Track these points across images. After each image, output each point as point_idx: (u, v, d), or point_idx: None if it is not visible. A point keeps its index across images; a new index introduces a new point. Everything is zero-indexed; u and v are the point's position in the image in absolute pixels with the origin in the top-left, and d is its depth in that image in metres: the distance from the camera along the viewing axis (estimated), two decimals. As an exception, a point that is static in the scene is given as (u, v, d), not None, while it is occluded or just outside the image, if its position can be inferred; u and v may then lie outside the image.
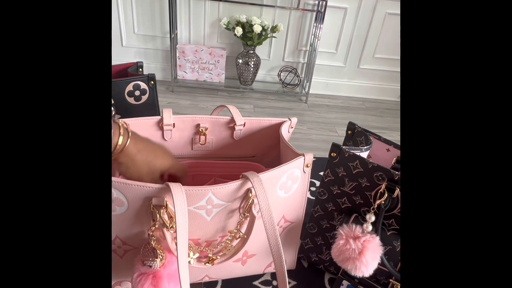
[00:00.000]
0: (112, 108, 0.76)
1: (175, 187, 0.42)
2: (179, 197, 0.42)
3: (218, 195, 0.47)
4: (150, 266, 0.44)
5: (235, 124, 0.65)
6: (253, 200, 0.49)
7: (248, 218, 0.50)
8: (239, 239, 0.51)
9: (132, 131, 0.49)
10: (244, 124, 0.66)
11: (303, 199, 0.58)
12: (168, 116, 0.62)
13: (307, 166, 0.54)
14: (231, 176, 0.68)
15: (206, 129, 0.65)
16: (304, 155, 0.52)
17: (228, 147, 0.69)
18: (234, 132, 0.66)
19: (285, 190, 0.53)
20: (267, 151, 0.71)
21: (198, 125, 0.64)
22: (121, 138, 0.46)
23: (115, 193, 0.43)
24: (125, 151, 0.48)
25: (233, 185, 0.47)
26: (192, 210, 0.47)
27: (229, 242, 0.51)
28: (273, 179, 0.50)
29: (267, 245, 0.59)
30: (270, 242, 0.46)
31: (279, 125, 0.67)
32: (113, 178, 0.42)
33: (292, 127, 0.68)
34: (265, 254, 0.60)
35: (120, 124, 0.47)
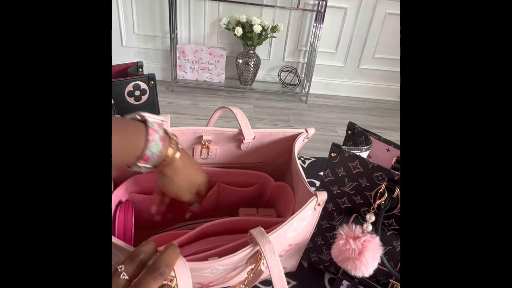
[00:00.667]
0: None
1: (180, 270, 0.37)
2: (185, 282, 0.36)
3: (224, 264, 0.42)
4: None
5: (244, 138, 0.57)
6: (263, 261, 0.44)
7: (255, 272, 0.46)
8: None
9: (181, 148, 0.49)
10: (254, 137, 0.58)
11: (311, 229, 0.54)
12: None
13: (319, 205, 0.48)
14: (235, 183, 0.64)
15: (209, 142, 0.58)
16: (317, 196, 0.47)
17: (234, 157, 0.63)
18: (242, 144, 0.59)
19: (294, 231, 0.49)
20: (276, 157, 0.66)
21: (200, 137, 0.57)
22: (170, 150, 0.46)
23: (116, 255, 0.41)
24: (173, 164, 0.47)
25: (241, 254, 0.41)
26: (195, 274, 0.43)
27: None
28: (284, 231, 0.46)
29: None
30: None
31: (293, 136, 0.60)
32: (114, 240, 0.39)
33: (308, 138, 0.61)
34: (267, 270, 0.58)
35: (171, 136, 0.46)
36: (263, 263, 0.44)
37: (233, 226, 0.55)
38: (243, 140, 0.58)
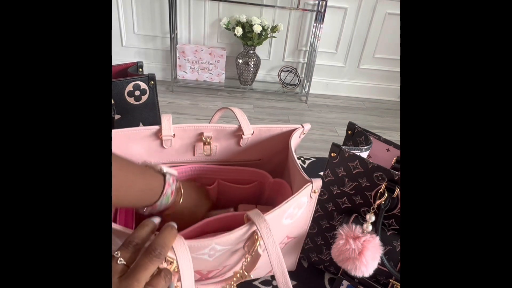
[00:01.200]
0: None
1: (179, 248, 0.37)
2: (185, 260, 0.37)
3: (222, 243, 0.43)
4: None
5: (243, 133, 0.60)
6: (259, 242, 0.45)
7: (252, 255, 0.47)
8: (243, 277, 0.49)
9: (184, 186, 0.52)
10: (253, 133, 0.61)
11: (308, 220, 0.55)
12: (167, 126, 0.56)
13: (314, 192, 0.50)
14: (235, 180, 0.65)
15: (210, 138, 0.60)
16: (312, 182, 0.49)
17: (233, 154, 0.65)
18: (241, 140, 0.62)
19: (290, 218, 0.50)
20: (274, 155, 0.67)
21: (201, 134, 0.60)
22: (176, 200, 0.50)
23: (114, 241, 0.41)
24: (173, 209, 0.51)
25: (238, 233, 0.42)
26: (194, 256, 0.43)
27: (233, 285, 0.49)
28: (280, 215, 0.47)
29: (268, 261, 0.56)
30: (278, 282, 0.42)
31: (290, 132, 0.63)
32: (112, 225, 0.39)
33: (304, 133, 0.64)
34: (266, 265, 0.58)
35: (176, 185, 0.49)
36: (259, 245, 0.45)
37: (232, 221, 0.56)
38: (242, 135, 0.60)
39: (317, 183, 0.49)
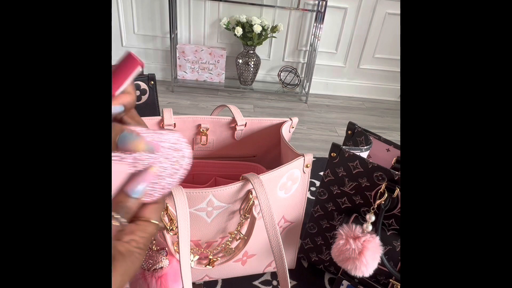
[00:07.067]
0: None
1: (176, 190, 0.42)
2: (181, 200, 0.41)
3: (219, 197, 0.46)
4: (162, 268, 0.45)
5: (236, 124, 0.65)
6: (253, 201, 0.48)
7: (249, 219, 0.50)
8: (240, 240, 0.51)
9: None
10: (245, 124, 0.66)
11: (303, 199, 0.58)
12: (168, 116, 0.61)
13: (306, 166, 0.54)
14: (231, 176, 0.68)
15: (207, 130, 0.65)
16: (304, 156, 0.52)
17: (229, 147, 0.69)
18: (235, 132, 0.66)
19: (285, 190, 0.53)
20: (268, 151, 0.71)
21: (199, 126, 0.64)
22: None
23: None
24: None
25: (233, 186, 0.46)
26: (193, 212, 0.46)
27: (229, 244, 0.51)
28: (273, 180, 0.50)
29: (267, 245, 0.59)
30: (271, 243, 0.46)
31: (280, 125, 0.67)
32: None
33: (293, 127, 0.68)
34: (265, 254, 0.60)
35: None
36: (254, 207, 0.49)
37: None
38: (236, 126, 0.65)
39: (309, 156, 0.53)
